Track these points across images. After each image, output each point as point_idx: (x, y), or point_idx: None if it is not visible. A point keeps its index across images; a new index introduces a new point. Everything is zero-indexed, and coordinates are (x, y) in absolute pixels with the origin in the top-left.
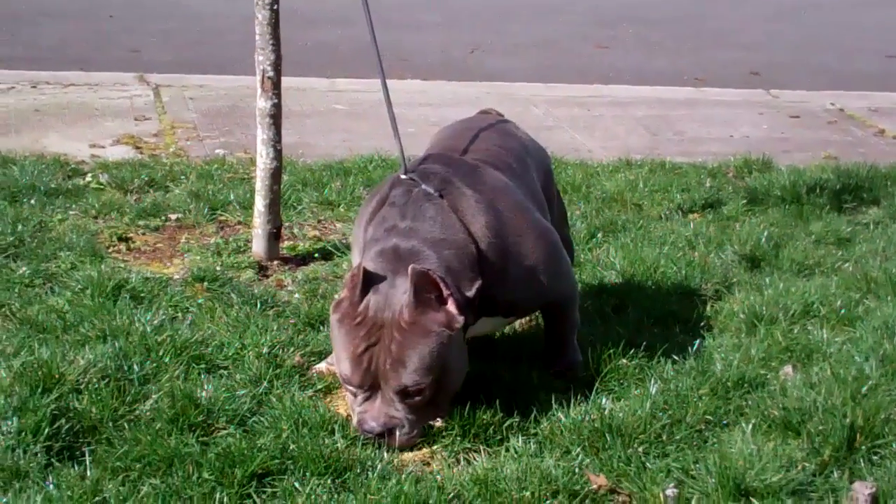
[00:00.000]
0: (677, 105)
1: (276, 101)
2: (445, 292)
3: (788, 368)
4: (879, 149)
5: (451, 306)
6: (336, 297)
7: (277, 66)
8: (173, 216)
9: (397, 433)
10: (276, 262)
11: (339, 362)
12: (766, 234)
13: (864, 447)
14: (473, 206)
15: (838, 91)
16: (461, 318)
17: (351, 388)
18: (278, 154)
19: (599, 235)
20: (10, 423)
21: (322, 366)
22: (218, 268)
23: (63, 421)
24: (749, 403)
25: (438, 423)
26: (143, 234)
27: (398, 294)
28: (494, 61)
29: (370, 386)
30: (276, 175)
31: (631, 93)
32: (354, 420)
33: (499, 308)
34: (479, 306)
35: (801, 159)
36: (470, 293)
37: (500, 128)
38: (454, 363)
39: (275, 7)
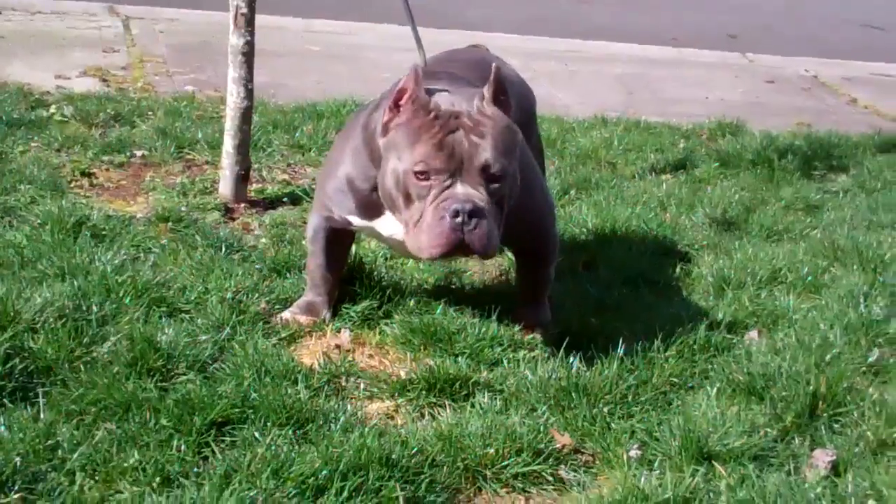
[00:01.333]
0: (655, 64)
1: (248, 38)
2: (511, 104)
3: (754, 333)
4: (851, 117)
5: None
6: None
7: (251, 2)
8: (139, 153)
9: (483, 218)
10: (243, 205)
11: (413, 153)
12: (737, 197)
13: (825, 414)
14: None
15: (814, 58)
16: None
17: (424, 175)
18: (249, 93)
19: (573, 192)
20: None
21: (287, 314)
22: (183, 208)
23: (17, 361)
24: (714, 367)
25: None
26: (107, 169)
27: (468, 94)
28: (474, 11)
29: (452, 173)
30: (246, 115)
31: (609, 49)
32: (429, 216)
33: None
34: None
35: (774, 124)
36: None
37: (488, 61)
38: (517, 171)
39: None
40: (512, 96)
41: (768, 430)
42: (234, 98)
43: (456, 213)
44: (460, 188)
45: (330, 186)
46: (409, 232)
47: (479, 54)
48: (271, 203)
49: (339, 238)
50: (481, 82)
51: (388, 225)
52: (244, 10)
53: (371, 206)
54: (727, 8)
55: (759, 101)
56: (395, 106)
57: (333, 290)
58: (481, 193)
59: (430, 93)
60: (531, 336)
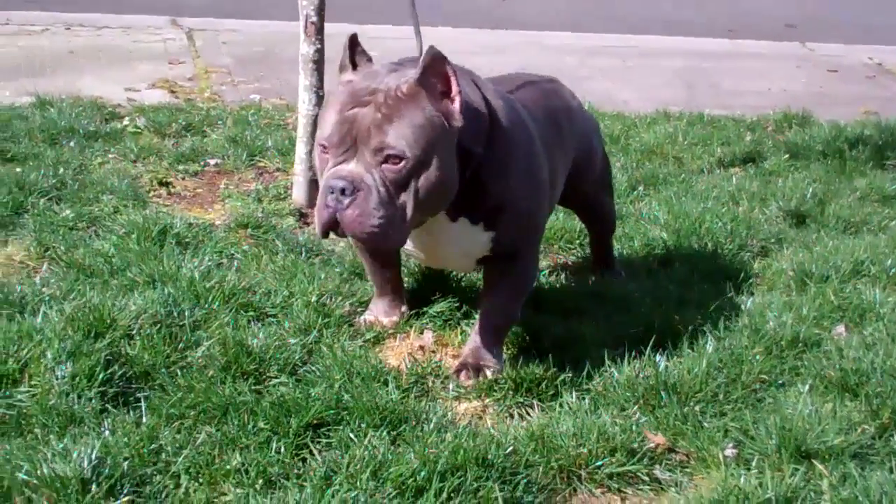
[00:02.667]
0: (712, 57)
1: (319, 46)
2: (455, 89)
3: (841, 328)
4: None
5: (455, 105)
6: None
7: (321, 11)
8: (212, 161)
9: (361, 198)
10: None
11: (321, 124)
12: (810, 190)
13: None
14: (500, 107)
15: (876, 45)
16: (460, 120)
17: (325, 149)
18: (320, 100)
19: (641, 188)
20: (64, 367)
21: (369, 316)
22: (259, 214)
23: (116, 367)
24: (804, 363)
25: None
26: (183, 178)
27: (403, 73)
28: (525, 9)
29: (347, 149)
30: (317, 122)
31: (665, 43)
32: (322, 184)
33: (482, 209)
34: (468, 197)
35: (840, 114)
36: (477, 148)
37: (548, 87)
38: (443, 164)
39: None
40: (571, 125)
41: (865, 427)
42: (305, 105)
43: (330, 190)
44: (347, 166)
45: None
46: None
47: (551, 81)
48: None
49: None
50: (536, 100)
51: None
52: (314, 20)
53: None
54: None
55: (823, 90)
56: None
57: (399, 287)
58: (371, 174)
59: (372, 64)
60: (459, 380)
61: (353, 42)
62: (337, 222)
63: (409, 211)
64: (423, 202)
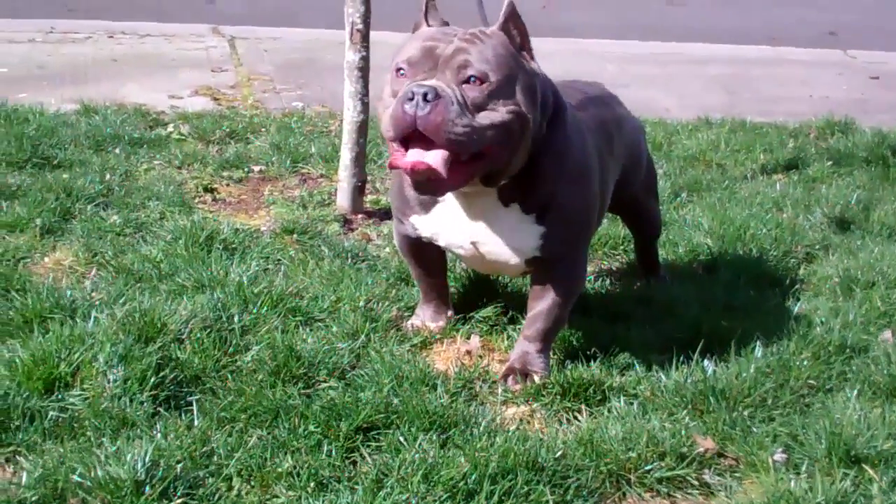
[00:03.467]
0: (752, 64)
1: (364, 53)
2: (530, 45)
3: (888, 334)
4: None
5: (531, 59)
6: None
7: (367, 19)
8: (256, 168)
9: (442, 104)
10: (360, 216)
11: (400, 52)
12: (854, 196)
13: None
14: (563, 101)
15: None
16: (538, 69)
17: (402, 73)
18: (365, 107)
19: (684, 195)
20: (116, 371)
21: (416, 321)
22: (304, 220)
23: (167, 371)
24: (852, 369)
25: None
26: (228, 185)
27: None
28: (566, 15)
29: (427, 70)
30: (362, 128)
31: (705, 51)
32: (400, 94)
33: (535, 199)
34: (522, 181)
35: (883, 121)
36: (540, 127)
37: (596, 95)
38: (523, 101)
39: None
40: (620, 134)
41: None
42: (350, 112)
43: (411, 95)
44: (428, 81)
45: (392, 189)
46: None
47: (599, 88)
48: (386, 213)
49: (424, 245)
50: (587, 110)
51: (450, 226)
52: (360, 27)
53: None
54: (823, 5)
55: (865, 97)
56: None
57: (444, 292)
58: (453, 89)
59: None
60: (506, 385)
61: (429, 4)
62: (414, 128)
63: (486, 135)
64: (499, 133)
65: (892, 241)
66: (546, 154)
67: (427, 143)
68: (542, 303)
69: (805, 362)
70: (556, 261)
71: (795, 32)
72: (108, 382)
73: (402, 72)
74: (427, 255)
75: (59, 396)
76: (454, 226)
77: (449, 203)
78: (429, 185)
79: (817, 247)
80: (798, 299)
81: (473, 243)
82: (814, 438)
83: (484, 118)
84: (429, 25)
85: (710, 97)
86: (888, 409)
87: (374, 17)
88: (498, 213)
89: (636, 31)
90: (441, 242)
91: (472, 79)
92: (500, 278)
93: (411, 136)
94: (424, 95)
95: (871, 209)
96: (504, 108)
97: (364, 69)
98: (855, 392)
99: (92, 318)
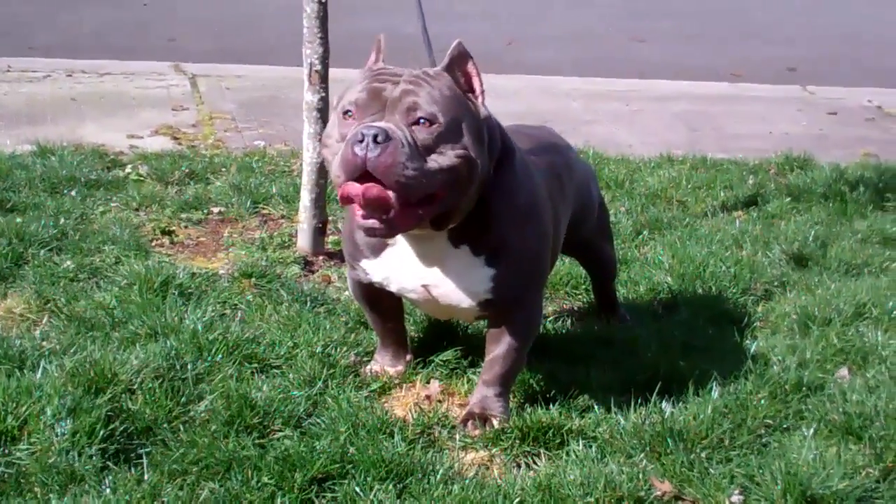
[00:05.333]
0: (715, 100)
1: (323, 94)
2: (478, 87)
3: (844, 371)
4: None
5: (479, 101)
6: None
7: (325, 60)
8: (215, 209)
9: (392, 146)
10: (321, 258)
11: (346, 95)
12: (812, 232)
13: None
14: (511, 142)
15: (876, 88)
16: (485, 111)
17: (350, 115)
18: None
19: (645, 232)
20: (64, 424)
21: (375, 366)
22: (263, 263)
23: (118, 423)
24: (808, 407)
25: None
26: (186, 227)
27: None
28: (531, 53)
29: (375, 112)
30: (322, 169)
31: (669, 87)
32: (348, 138)
33: (485, 241)
34: (472, 222)
35: (840, 157)
36: (488, 168)
37: (545, 140)
38: (472, 144)
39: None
40: (570, 176)
41: (870, 470)
42: (309, 153)
43: (360, 137)
44: (378, 122)
45: (343, 234)
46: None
47: (547, 132)
48: None
49: (377, 291)
50: (536, 154)
51: (401, 270)
52: (318, 68)
53: None
54: (784, 41)
55: (823, 133)
56: None
57: (402, 337)
58: (402, 131)
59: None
60: (466, 430)
61: (380, 44)
62: (363, 171)
63: (435, 178)
64: (448, 177)
65: (849, 277)
66: (495, 196)
67: None
68: (499, 347)
69: (762, 402)
70: (509, 304)
71: (756, 69)
72: (56, 436)
73: (349, 114)
74: (382, 301)
75: (6, 451)
76: (405, 269)
77: (399, 246)
78: (377, 230)
79: (776, 284)
80: (756, 337)
81: (425, 286)
82: (770, 479)
83: (433, 161)
84: (377, 62)
85: (673, 134)
86: (843, 447)
87: (332, 55)
88: (448, 255)
89: (601, 67)
90: (393, 287)
91: (422, 120)
92: (459, 322)
93: (360, 180)
94: (375, 137)
95: (829, 245)
96: (452, 152)
97: (323, 110)
98: (811, 431)
99: (41, 369)
